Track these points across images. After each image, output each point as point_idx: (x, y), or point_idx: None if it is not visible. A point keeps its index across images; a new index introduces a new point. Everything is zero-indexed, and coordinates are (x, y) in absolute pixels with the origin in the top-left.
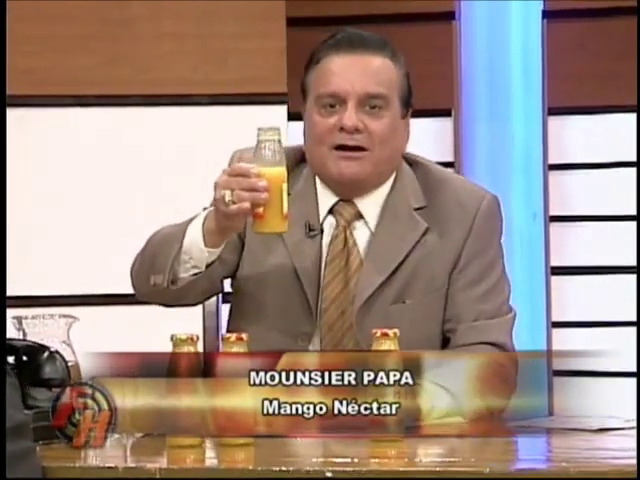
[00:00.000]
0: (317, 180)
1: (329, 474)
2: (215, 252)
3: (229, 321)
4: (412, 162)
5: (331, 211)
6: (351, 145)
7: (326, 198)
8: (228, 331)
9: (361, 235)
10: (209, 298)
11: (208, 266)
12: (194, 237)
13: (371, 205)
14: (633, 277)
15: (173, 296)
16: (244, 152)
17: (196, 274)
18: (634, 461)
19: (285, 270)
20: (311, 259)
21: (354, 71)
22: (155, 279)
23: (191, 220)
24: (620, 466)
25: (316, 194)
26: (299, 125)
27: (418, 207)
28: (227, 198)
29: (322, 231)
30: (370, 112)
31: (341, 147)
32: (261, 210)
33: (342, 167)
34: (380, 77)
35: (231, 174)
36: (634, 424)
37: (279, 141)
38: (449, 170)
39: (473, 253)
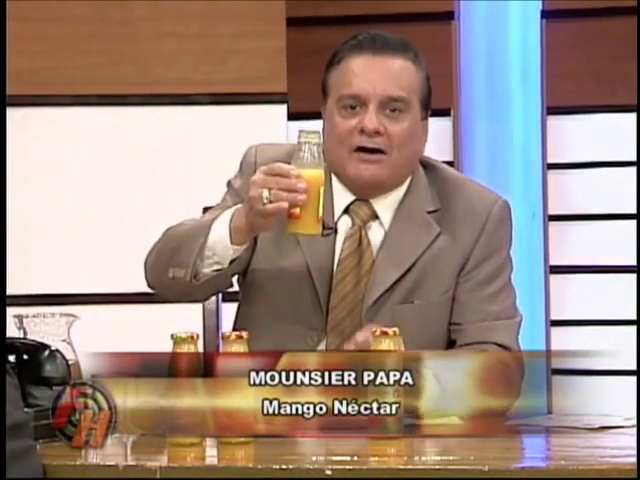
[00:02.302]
0: (333, 178)
1: (329, 472)
2: (239, 249)
3: (237, 317)
4: (426, 165)
5: (346, 210)
6: (370, 147)
7: (342, 197)
8: (236, 328)
9: (375, 235)
10: (217, 294)
11: (230, 263)
12: (220, 234)
13: (387, 206)
14: (632, 276)
15: (188, 290)
16: (260, 147)
17: (217, 270)
18: (633, 459)
19: (298, 268)
20: (324, 257)
21: (376, 73)
22: (175, 272)
23: (215, 216)
24: (619, 464)
25: (332, 193)
26: (299, 124)
27: (431, 210)
28: (265, 196)
29: (336, 231)
30: (391, 115)
31: (361, 149)
32: (297, 211)
33: (361, 169)
34: (401, 80)
35: (269, 173)
36: (633, 422)
37: (319, 144)
38: (462, 174)
39: (482, 257)
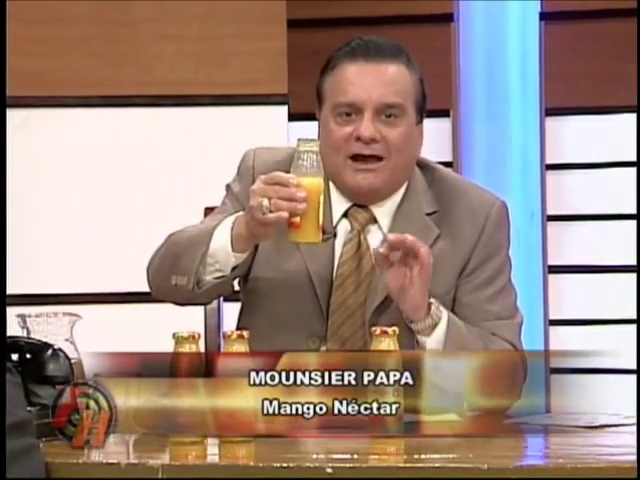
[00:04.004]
0: (330, 184)
1: (329, 470)
2: (241, 257)
3: (239, 323)
4: (423, 166)
5: (345, 215)
6: (367, 154)
7: (340, 202)
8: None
9: (375, 239)
10: (218, 298)
11: (232, 270)
12: (221, 241)
13: (385, 210)
14: (630, 276)
15: (191, 297)
16: (258, 151)
17: (219, 277)
18: (631, 457)
19: (298, 273)
20: (324, 262)
21: (370, 80)
22: (177, 280)
23: (217, 223)
24: (617, 462)
25: (329, 198)
26: (299, 125)
27: (430, 212)
28: (265, 205)
29: (335, 235)
30: (386, 121)
31: (357, 156)
32: (297, 220)
33: (358, 178)
34: (396, 86)
35: (269, 182)
36: (631, 421)
37: (318, 153)
38: (459, 175)
39: (482, 258)
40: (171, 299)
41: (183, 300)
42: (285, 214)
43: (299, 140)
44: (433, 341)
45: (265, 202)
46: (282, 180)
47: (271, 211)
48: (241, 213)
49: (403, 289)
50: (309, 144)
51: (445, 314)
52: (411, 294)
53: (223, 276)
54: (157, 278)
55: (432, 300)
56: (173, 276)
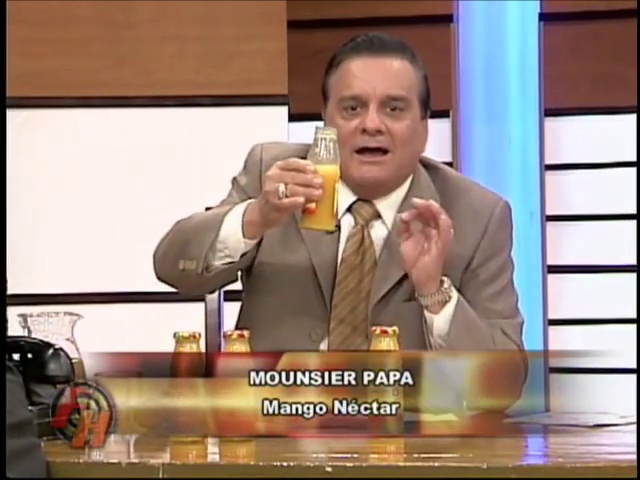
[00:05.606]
0: None
1: (329, 469)
2: (251, 243)
3: (241, 312)
4: (427, 165)
5: (349, 209)
6: (373, 147)
7: (344, 197)
8: (240, 323)
9: (378, 234)
10: (223, 287)
11: (241, 256)
12: (232, 227)
13: (389, 205)
14: (629, 276)
15: (198, 282)
16: (265, 145)
17: (228, 263)
18: (630, 457)
19: (303, 264)
20: (328, 255)
21: (375, 74)
22: (185, 264)
23: (227, 210)
24: (616, 461)
25: None
26: (299, 126)
27: None
28: (281, 190)
29: (339, 229)
30: (391, 114)
31: (363, 149)
32: (313, 206)
33: (364, 171)
34: (400, 80)
35: (285, 168)
36: (629, 420)
37: (335, 140)
38: (464, 175)
39: (484, 257)
40: (177, 284)
41: (189, 286)
42: (301, 199)
43: (317, 128)
44: (441, 319)
45: (281, 187)
46: (299, 166)
47: (287, 196)
48: (253, 200)
49: (418, 258)
50: (326, 131)
51: (456, 294)
52: (426, 264)
53: (232, 262)
54: (164, 263)
55: (444, 278)
56: (181, 261)
